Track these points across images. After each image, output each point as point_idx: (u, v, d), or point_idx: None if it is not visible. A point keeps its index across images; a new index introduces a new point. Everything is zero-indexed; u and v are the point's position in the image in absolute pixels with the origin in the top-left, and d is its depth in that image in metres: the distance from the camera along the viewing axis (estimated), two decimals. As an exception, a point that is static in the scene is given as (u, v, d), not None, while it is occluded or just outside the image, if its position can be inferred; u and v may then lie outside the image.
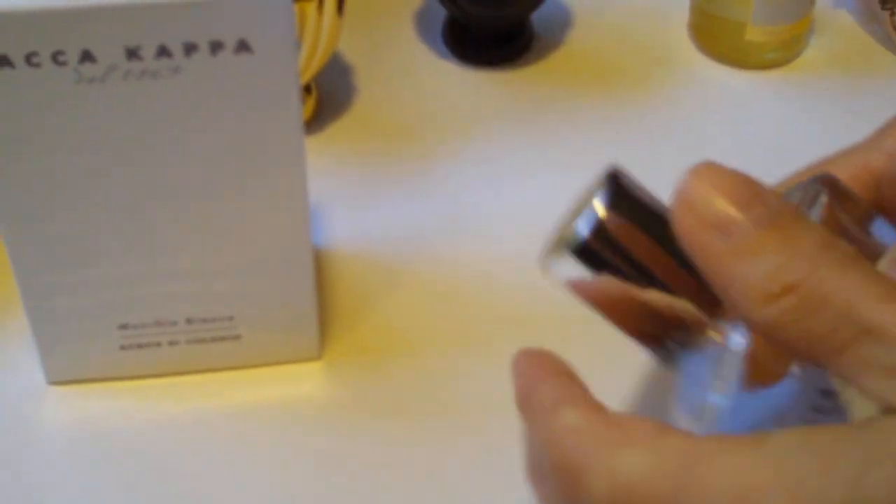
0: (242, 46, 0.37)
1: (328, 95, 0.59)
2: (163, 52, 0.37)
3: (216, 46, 0.37)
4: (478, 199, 0.54)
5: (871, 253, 0.32)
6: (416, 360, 0.47)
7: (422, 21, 0.65)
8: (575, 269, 0.32)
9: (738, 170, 0.28)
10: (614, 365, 0.47)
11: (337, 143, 0.57)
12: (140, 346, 0.45)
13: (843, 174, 0.34)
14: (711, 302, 0.31)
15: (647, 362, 0.47)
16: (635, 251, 0.31)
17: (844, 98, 0.60)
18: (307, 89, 0.58)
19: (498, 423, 0.45)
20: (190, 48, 0.37)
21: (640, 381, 0.47)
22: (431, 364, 0.47)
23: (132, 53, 0.36)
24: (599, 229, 0.31)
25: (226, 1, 0.36)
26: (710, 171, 0.28)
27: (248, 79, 0.38)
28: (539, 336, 0.48)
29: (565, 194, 0.54)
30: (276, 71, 0.38)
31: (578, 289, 0.33)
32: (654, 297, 0.32)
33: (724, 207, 0.27)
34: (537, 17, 0.63)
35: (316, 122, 0.58)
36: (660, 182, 0.55)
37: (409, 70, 0.61)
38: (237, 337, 0.45)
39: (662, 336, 0.33)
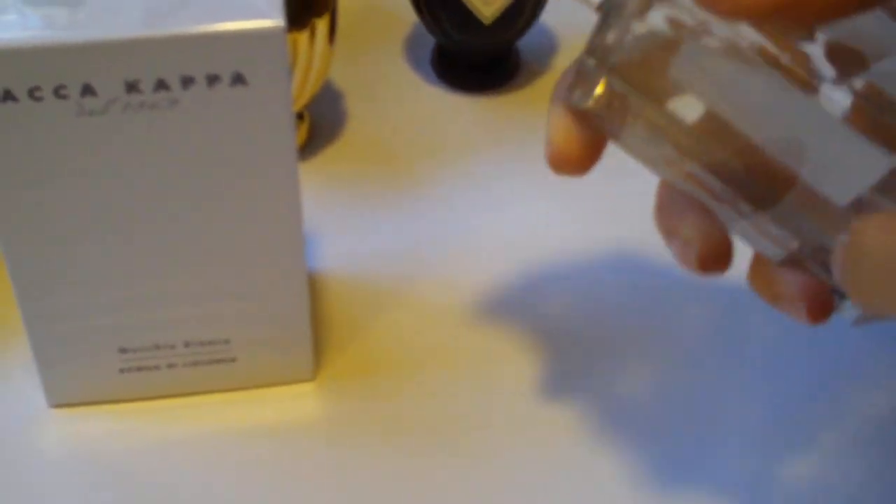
0: (238, 79, 0.38)
1: (320, 122, 0.61)
2: (161, 85, 0.38)
3: (213, 79, 0.38)
4: (468, 223, 0.56)
5: None
6: (409, 380, 0.48)
7: (411, 48, 0.66)
8: None
9: None
10: (606, 376, 0.49)
11: (329, 168, 0.58)
12: (139, 368, 0.46)
13: None
14: None
15: (640, 374, 0.49)
16: None
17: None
18: (300, 116, 0.59)
19: (492, 442, 0.46)
20: (187, 81, 0.38)
21: (636, 390, 0.48)
22: (424, 384, 0.48)
23: (131, 87, 0.38)
24: None
25: (222, 35, 0.37)
26: None
27: (243, 110, 0.39)
28: (530, 354, 0.49)
29: (553, 218, 0.56)
30: (271, 102, 0.39)
31: None
32: None
33: None
34: (524, 43, 0.65)
35: (309, 147, 0.59)
36: (644, 208, 0.56)
37: (399, 96, 0.63)
38: (233, 359, 0.46)
39: None
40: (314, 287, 0.52)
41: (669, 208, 0.37)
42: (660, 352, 0.50)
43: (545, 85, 0.64)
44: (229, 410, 0.47)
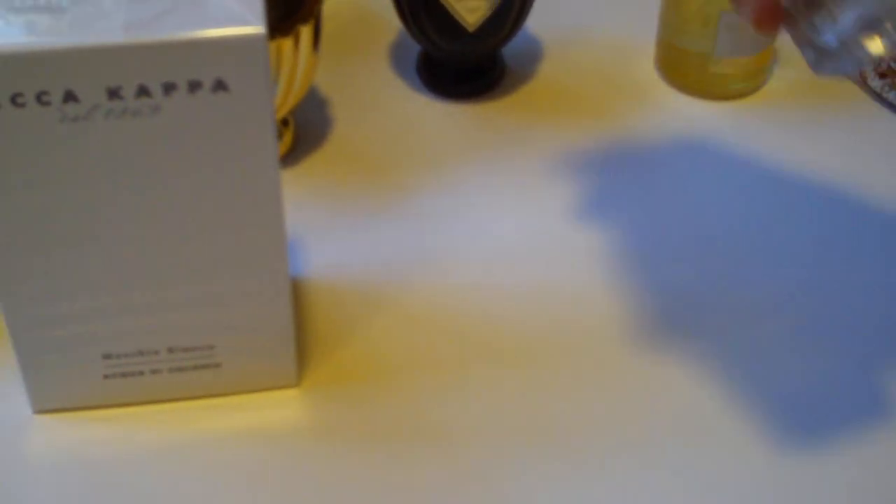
0: (220, 85, 0.38)
1: (305, 128, 0.61)
2: (143, 91, 0.38)
3: (194, 86, 0.38)
4: (451, 228, 0.56)
5: None
6: (392, 386, 0.49)
7: (396, 55, 0.66)
8: None
9: None
10: (584, 387, 0.49)
11: (314, 174, 0.58)
12: (123, 374, 0.46)
13: None
14: None
15: (611, 380, 0.49)
16: None
17: (807, 126, 0.62)
18: (285, 122, 0.59)
19: (475, 447, 0.46)
20: (169, 87, 0.38)
21: (608, 399, 0.48)
22: (407, 390, 0.48)
23: (113, 93, 0.38)
24: None
25: (203, 42, 0.38)
26: None
27: (225, 116, 0.39)
28: (513, 361, 0.50)
29: (536, 223, 0.56)
30: (253, 108, 0.39)
31: None
32: None
33: None
34: (508, 50, 0.65)
35: (294, 154, 0.59)
36: (630, 211, 0.57)
37: (384, 103, 0.63)
38: (217, 365, 0.46)
39: None
40: (299, 293, 0.52)
41: None
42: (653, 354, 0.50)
43: (531, 91, 0.64)
44: (213, 416, 0.47)
